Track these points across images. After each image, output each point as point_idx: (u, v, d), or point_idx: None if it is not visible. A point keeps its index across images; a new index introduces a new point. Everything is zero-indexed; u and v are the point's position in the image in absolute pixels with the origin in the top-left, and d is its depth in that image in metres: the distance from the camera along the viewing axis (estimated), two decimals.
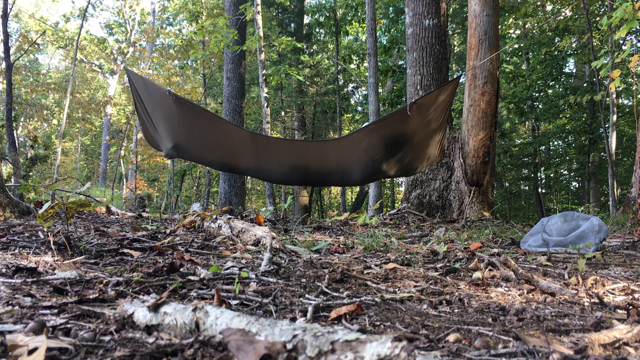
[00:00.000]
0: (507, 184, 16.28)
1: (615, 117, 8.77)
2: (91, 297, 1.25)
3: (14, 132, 7.03)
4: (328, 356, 0.72)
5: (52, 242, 1.98)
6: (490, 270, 2.03)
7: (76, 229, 2.79)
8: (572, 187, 17.01)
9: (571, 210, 4.15)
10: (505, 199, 15.86)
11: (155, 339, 0.94)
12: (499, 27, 8.49)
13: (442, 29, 6.28)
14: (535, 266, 2.21)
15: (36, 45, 15.69)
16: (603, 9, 10.18)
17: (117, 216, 4.38)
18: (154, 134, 3.86)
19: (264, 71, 7.40)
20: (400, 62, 13.44)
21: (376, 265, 2.15)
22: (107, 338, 0.94)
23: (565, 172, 16.62)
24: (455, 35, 14.24)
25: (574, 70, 15.48)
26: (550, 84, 13.22)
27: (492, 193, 5.55)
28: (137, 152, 14.24)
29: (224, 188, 9.12)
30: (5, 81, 8.59)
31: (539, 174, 15.04)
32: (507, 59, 14.67)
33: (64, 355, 0.82)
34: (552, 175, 16.86)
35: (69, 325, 1.00)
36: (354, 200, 16.65)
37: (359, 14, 12.74)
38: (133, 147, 15.32)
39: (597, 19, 10.23)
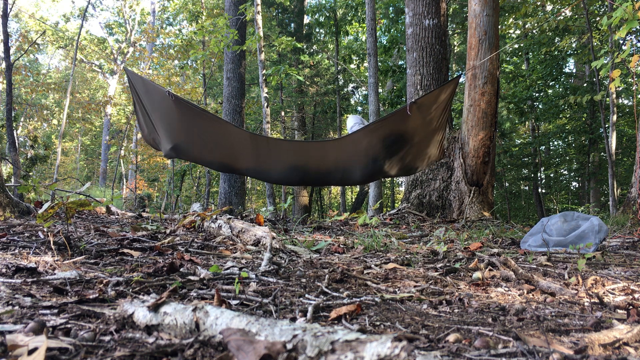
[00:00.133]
0: (507, 184, 16.28)
1: (615, 117, 8.77)
2: (91, 297, 1.25)
3: (14, 132, 7.03)
4: (328, 356, 0.72)
5: (52, 242, 1.98)
6: (490, 270, 2.03)
7: (76, 229, 2.79)
8: (572, 187, 17.01)
9: (571, 210, 4.15)
10: (505, 199, 15.86)
11: (155, 339, 0.94)
12: (499, 27, 8.49)
13: (442, 29, 6.28)
14: (535, 266, 2.21)
15: (36, 45, 15.69)
16: (603, 9, 10.18)
17: (117, 216, 4.38)
18: (153, 134, 3.86)
19: (264, 71, 7.40)
20: (400, 62, 13.44)
21: (376, 265, 2.15)
22: (107, 338, 0.94)
23: (565, 172, 16.62)
24: (455, 35, 14.24)
25: (574, 70, 15.48)
26: (550, 84, 13.22)
27: (492, 193, 5.55)
28: (137, 152, 14.24)
29: (224, 188, 9.12)
30: (5, 81, 8.59)
31: (539, 174, 15.04)
32: (507, 59, 14.67)
33: (64, 355, 0.82)
34: (552, 175, 16.87)
35: (69, 325, 1.00)
36: (354, 200, 16.65)
37: (359, 14, 12.74)
38: (133, 147, 15.32)
39: (597, 19, 10.23)
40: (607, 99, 9.48)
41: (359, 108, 17.17)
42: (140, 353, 0.84)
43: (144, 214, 4.83)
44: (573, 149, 14.98)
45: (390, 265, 2.13)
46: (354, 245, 2.98)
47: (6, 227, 2.60)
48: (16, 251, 1.91)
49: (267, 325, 0.84)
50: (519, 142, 17.66)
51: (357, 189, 17.40)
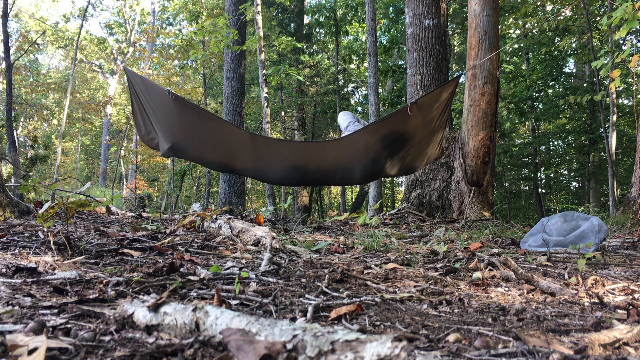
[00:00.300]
0: (507, 184, 16.28)
1: (615, 117, 8.77)
2: (91, 297, 1.25)
3: (14, 132, 7.03)
4: (328, 356, 0.72)
5: (52, 242, 1.98)
6: (490, 270, 2.03)
7: (76, 229, 2.79)
8: (572, 187, 17.01)
9: (571, 210, 4.15)
10: (505, 199, 15.86)
11: (155, 339, 0.94)
12: (499, 27, 8.49)
13: (442, 29, 6.28)
14: (535, 266, 2.21)
15: (36, 45, 15.69)
16: (603, 9, 10.18)
17: (117, 216, 4.38)
18: (151, 133, 3.85)
19: (264, 71, 7.40)
20: (400, 62, 13.44)
21: (376, 265, 2.15)
22: (107, 338, 0.94)
23: (565, 172, 16.62)
24: (455, 35, 14.24)
25: (574, 70, 15.48)
26: (550, 84, 13.22)
27: (492, 193, 5.55)
28: (137, 152, 14.24)
29: (224, 188, 9.13)
30: (5, 81, 8.59)
31: (539, 174, 15.04)
32: (507, 59, 14.67)
33: (64, 355, 0.82)
34: (552, 175, 16.87)
35: (69, 325, 1.00)
36: (354, 200, 16.65)
37: (359, 14, 12.74)
38: (133, 147, 15.31)
39: (597, 19, 10.23)
40: (607, 99, 9.48)
41: (359, 108, 17.18)
42: (140, 353, 0.84)
43: (144, 214, 4.83)
44: (573, 149, 14.98)
45: (390, 265, 2.13)
46: (354, 245, 2.98)
47: (6, 227, 2.60)
48: (16, 251, 1.91)
49: (267, 325, 0.84)
50: (519, 142, 17.66)
51: (357, 189, 17.41)
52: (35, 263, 1.63)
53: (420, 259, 2.44)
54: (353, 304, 1.30)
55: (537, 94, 13.21)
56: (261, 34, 7.36)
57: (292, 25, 15.12)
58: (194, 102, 11.05)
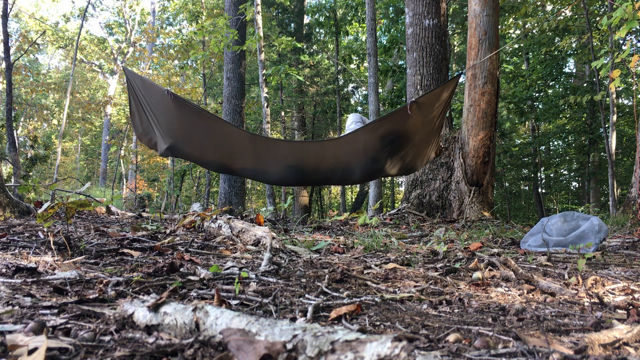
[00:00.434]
0: (507, 184, 16.28)
1: (615, 117, 8.77)
2: (91, 297, 1.25)
3: (14, 132, 7.03)
4: (328, 356, 0.72)
5: (52, 242, 1.98)
6: (490, 270, 2.03)
7: (76, 229, 2.79)
8: (572, 187, 17.01)
9: (571, 210, 4.15)
10: (505, 199, 15.86)
11: (155, 339, 0.94)
12: (499, 27, 8.49)
13: (442, 29, 6.28)
14: (535, 266, 2.21)
15: (36, 45, 15.69)
16: (603, 9, 10.17)
17: (117, 216, 4.38)
18: (150, 133, 3.84)
19: (264, 71, 7.40)
20: (400, 62, 13.44)
21: (376, 265, 2.15)
22: (107, 338, 0.94)
23: (565, 172, 16.62)
24: (455, 35, 14.24)
25: (574, 70, 15.48)
26: (550, 84, 13.22)
27: (492, 193, 5.55)
28: (137, 152, 14.24)
29: (224, 188, 9.13)
30: (5, 81, 8.59)
31: (539, 174, 15.04)
32: (507, 59, 14.67)
33: (64, 355, 0.82)
34: (552, 175, 16.87)
35: (69, 325, 1.00)
36: (354, 200, 16.65)
37: (359, 14, 12.74)
38: (133, 147, 15.31)
39: (597, 19, 10.23)
40: (607, 99, 9.48)
41: (359, 108, 17.18)
42: (140, 353, 0.84)
43: (144, 214, 4.83)
44: (573, 149, 14.98)
45: (390, 265, 2.13)
46: (354, 245, 2.98)
47: (6, 227, 2.60)
48: (16, 251, 1.91)
49: (267, 325, 0.84)
50: (519, 142, 17.66)
51: (357, 189, 17.41)
52: (35, 263, 1.63)
53: (420, 259, 2.44)
54: (353, 304, 1.30)
55: (537, 94, 13.21)
56: (261, 34, 7.36)
57: (292, 25, 15.12)
58: (193, 102, 11.06)
